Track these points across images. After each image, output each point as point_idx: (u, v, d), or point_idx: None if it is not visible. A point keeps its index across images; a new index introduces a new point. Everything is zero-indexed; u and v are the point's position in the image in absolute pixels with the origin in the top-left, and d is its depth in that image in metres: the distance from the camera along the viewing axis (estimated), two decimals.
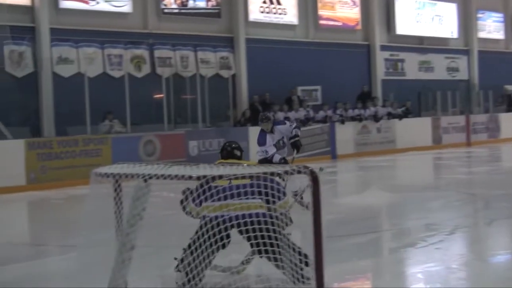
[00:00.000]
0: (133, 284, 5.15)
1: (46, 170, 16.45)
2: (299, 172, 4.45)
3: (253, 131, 21.04)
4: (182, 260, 6.39)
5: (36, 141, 16.73)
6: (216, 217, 6.16)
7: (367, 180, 17.53)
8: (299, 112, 22.83)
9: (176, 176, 4.56)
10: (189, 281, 5.98)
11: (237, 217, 6.16)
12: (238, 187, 6.25)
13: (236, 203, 6.25)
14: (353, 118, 24.34)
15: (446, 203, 12.65)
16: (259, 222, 5.88)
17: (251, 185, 6.37)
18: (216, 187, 6.13)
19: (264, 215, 6.11)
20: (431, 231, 9.92)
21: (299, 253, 6.20)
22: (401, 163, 22.80)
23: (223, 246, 6.21)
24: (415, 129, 25.94)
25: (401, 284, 7.16)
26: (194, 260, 5.91)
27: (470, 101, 30.65)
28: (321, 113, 23.67)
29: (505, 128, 29.60)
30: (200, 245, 5.89)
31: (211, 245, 5.91)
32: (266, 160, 11.06)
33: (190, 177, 4.60)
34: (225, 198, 6.22)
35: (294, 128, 11.61)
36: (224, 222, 6.08)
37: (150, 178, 4.56)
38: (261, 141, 11.42)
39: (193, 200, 6.36)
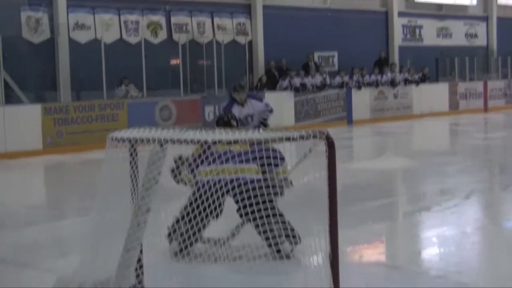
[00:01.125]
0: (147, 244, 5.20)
1: (62, 135, 16.53)
2: (314, 137, 4.41)
3: (269, 97, 21.05)
4: (174, 229, 6.25)
5: (53, 106, 16.76)
6: (208, 181, 6.08)
7: (383, 146, 17.53)
8: (315, 77, 22.74)
9: (191, 140, 4.55)
10: (181, 250, 5.97)
11: (231, 181, 6.08)
12: (238, 154, 6.26)
13: (231, 167, 6.19)
14: (369, 84, 24.23)
15: (462, 168, 12.64)
16: (251, 188, 5.82)
17: (249, 152, 6.35)
18: (212, 153, 6.14)
19: (258, 181, 6.06)
20: (446, 195, 9.93)
21: (288, 228, 6.16)
22: (417, 129, 22.74)
23: (216, 216, 6.14)
24: (432, 95, 25.82)
25: (415, 248, 7.18)
26: (187, 228, 5.86)
27: (488, 68, 30.44)
28: (338, 79, 23.55)
29: None
30: (193, 211, 5.82)
31: (204, 210, 5.77)
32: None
33: (206, 142, 4.59)
34: (221, 162, 6.17)
35: (270, 111, 10.51)
36: (216, 186, 5.94)
37: (166, 142, 4.56)
38: (227, 109, 10.26)
39: (189, 165, 6.20)
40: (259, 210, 5.80)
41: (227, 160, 6.21)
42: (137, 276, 5.12)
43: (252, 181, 6.03)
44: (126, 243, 4.61)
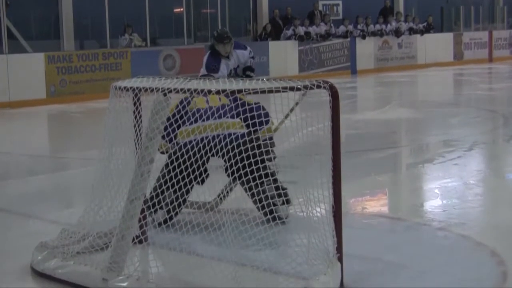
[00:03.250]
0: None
1: (65, 84, 16.51)
2: (318, 86, 4.37)
3: (274, 46, 21.01)
4: (156, 200, 5.69)
5: (56, 55, 16.71)
6: (191, 141, 5.55)
7: (387, 96, 17.49)
8: (320, 26, 22.61)
9: (195, 90, 4.53)
10: (165, 221, 5.72)
11: (213, 138, 5.56)
12: (217, 108, 5.90)
13: (213, 123, 5.70)
14: (374, 33, 24.09)
15: (466, 119, 12.63)
16: (238, 145, 5.39)
17: (232, 108, 5.95)
18: (191, 110, 5.77)
19: (244, 135, 5.64)
20: (450, 147, 9.92)
21: (279, 188, 5.76)
22: (421, 79, 22.66)
23: (202, 181, 5.66)
24: (437, 44, 25.68)
25: (418, 200, 7.20)
26: (171, 198, 5.52)
27: (493, 17, 30.21)
28: (342, 28, 23.43)
29: None
30: (176, 176, 5.27)
31: (188, 175, 5.26)
32: None
33: (210, 91, 4.58)
34: (202, 120, 5.74)
35: (252, 57, 9.37)
36: (199, 145, 5.39)
37: (170, 92, 4.54)
38: (214, 67, 8.92)
39: (165, 129, 5.19)
40: (251, 171, 5.23)
41: (208, 118, 5.74)
42: (141, 227, 5.15)
43: (238, 137, 5.59)
44: (129, 194, 4.61)
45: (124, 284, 4.47)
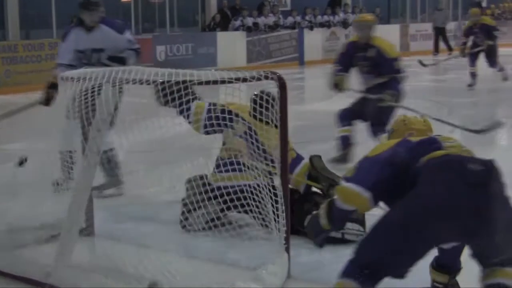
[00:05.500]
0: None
1: (11, 74, 16.29)
2: (266, 77, 4.39)
3: (222, 37, 21.00)
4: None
5: (1, 45, 16.49)
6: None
7: None
8: (268, 17, 22.65)
9: (142, 80, 4.52)
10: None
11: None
12: None
13: None
14: (322, 25, 24.23)
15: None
16: None
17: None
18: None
19: None
20: None
21: None
22: None
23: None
24: (383, 36, 25.59)
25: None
26: None
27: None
28: (290, 19, 23.51)
29: None
30: None
31: None
32: None
33: (154, 82, 4.56)
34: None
35: (136, 51, 7.04)
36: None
37: (117, 82, 4.52)
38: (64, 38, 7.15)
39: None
40: None
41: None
42: (88, 218, 5.15)
43: None
44: (76, 185, 4.62)
45: (71, 275, 4.45)
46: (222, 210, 5.21)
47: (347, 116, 8.62)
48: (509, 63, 17.14)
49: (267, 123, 4.97)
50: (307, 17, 23.84)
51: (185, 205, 5.33)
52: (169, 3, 20.75)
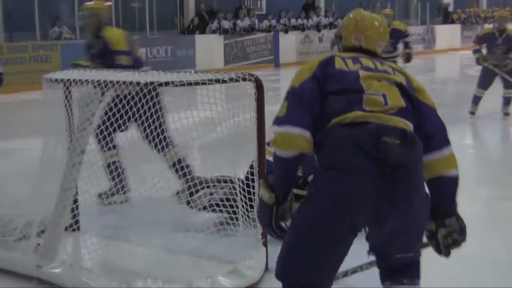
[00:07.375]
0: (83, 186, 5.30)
1: None
2: (244, 79, 4.48)
3: (200, 39, 21.13)
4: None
5: None
6: None
7: None
8: (244, 21, 22.83)
9: (124, 82, 4.61)
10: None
11: None
12: None
13: None
14: (296, 28, 24.45)
15: None
16: None
17: None
18: None
19: None
20: None
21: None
22: None
23: None
24: None
25: None
26: None
27: (407, 13, 30.89)
28: (265, 22, 23.70)
29: (440, 40, 30.07)
30: None
31: None
32: None
33: (138, 83, 4.64)
34: None
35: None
36: None
37: (99, 84, 4.60)
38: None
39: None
40: None
41: None
42: (74, 216, 5.24)
43: None
44: (62, 183, 4.66)
45: (57, 271, 4.56)
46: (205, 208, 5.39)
47: None
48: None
49: None
50: (281, 21, 24.05)
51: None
52: (149, 7, 20.86)
